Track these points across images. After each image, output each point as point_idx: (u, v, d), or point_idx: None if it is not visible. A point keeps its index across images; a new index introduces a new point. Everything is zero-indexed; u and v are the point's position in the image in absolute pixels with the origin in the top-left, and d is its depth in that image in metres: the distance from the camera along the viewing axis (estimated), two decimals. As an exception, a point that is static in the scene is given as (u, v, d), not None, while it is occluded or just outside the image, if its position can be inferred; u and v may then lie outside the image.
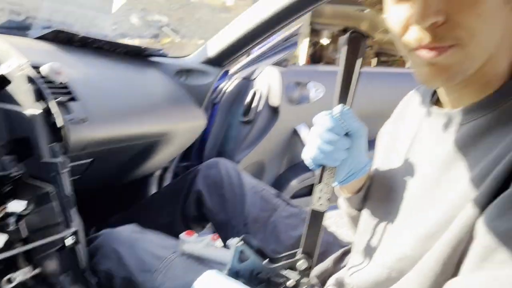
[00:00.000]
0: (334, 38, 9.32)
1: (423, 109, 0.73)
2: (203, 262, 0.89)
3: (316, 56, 9.39)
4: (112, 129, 1.00)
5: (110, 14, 1.42)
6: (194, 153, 1.65)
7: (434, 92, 0.72)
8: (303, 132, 1.76)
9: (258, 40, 1.36)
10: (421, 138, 0.71)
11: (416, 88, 0.82)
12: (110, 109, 1.03)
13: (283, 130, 1.71)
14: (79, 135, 0.90)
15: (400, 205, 0.70)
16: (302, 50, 8.22)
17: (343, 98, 0.67)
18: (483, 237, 0.51)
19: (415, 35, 0.55)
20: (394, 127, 0.82)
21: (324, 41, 9.30)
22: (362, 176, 0.75)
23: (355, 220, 0.85)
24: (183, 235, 0.90)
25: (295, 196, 1.80)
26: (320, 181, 0.70)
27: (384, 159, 0.80)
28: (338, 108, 0.67)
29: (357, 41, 0.64)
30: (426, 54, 0.55)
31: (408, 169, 0.71)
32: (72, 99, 0.94)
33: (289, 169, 1.83)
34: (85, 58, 1.15)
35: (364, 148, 0.71)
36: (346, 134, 0.69)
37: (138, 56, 1.37)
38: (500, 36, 0.56)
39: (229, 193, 1.19)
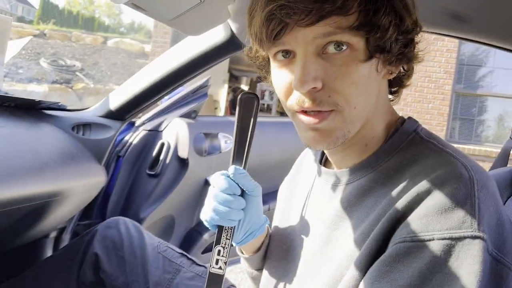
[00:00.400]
0: (253, 84, 9.63)
1: (315, 168, 0.75)
2: None
3: (236, 102, 9.59)
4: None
5: (1, 65, 1.32)
6: (96, 210, 1.55)
7: (323, 152, 0.75)
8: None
9: (161, 95, 1.34)
10: (314, 196, 0.73)
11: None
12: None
13: (193, 182, 1.68)
14: None
15: (298, 264, 0.70)
16: (222, 96, 8.37)
17: (238, 158, 0.68)
18: None
19: (297, 99, 0.58)
20: (292, 183, 0.84)
21: (243, 87, 9.57)
22: (259, 235, 0.74)
23: (256, 280, 0.84)
24: None
25: (208, 249, 1.74)
26: (217, 243, 0.69)
27: (282, 217, 0.81)
28: (231, 169, 0.67)
29: (250, 102, 0.66)
30: (308, 120, 0.58)
31: (303, 228, 0.72)
32: None
33: (201, 222, 1.78)
34: (-37, 114, 1.04)
35: (260, 207, 0.72)
36: (242, 194, 0.69)
37: (31, 109, 1.28)
38: (375, 101, 0.59)
39: (129, 255, 1.12)
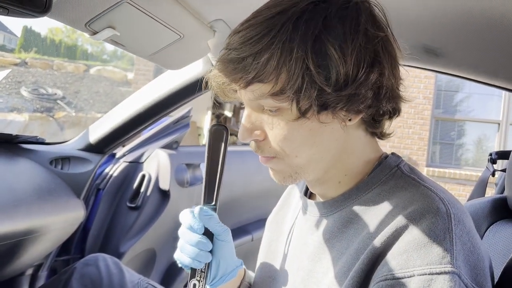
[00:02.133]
0: (236, 110, 9.68)
1: (300, 200, 0.76)
2: None
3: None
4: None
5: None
6: (75, 245, 1.51)
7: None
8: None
9: (140, 128, 1.33)
10: (298, 228, 0.73)
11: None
12: (-40, 210, 0.90)
13: (175, 214, 1.65)
14: None
15: None
16: (206, 122, 8.38)
17: (210, 194, 0.66)
18: None
19: (251, 142, 0.63)
20: (279, 215, 0.83)
21: (227, 113, 9.61)
22: (231, 279, 0.71)
23: None
24: None
25: (189, 282, 1.71)
26: (192, 277, 0.67)
27: (269, 249, 0.80)
28: (197, 210, 0.66)
29: (219, 134, 0.65)
30: (260, 158, 0.63)
31: (287, 260, 0.72)
32: None
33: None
34: None
35: (231, 251, 0.69)
36: (210, 237, 0.67)
37: (8, 143, 1.25)
38: (335, 146, 0.61)
39: (107, 297, 1.08)
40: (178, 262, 0.68)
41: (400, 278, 0.50)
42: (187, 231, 0.66)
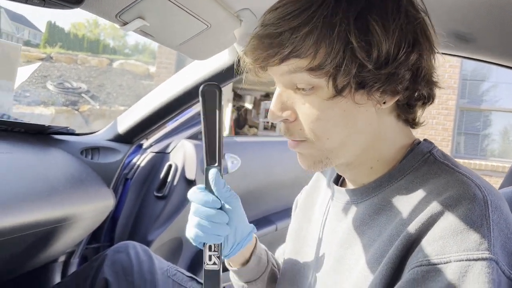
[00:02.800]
0: (257, 103, 9.68)
1: (329, 191, 0.75)
2: None
3: (241, 120, 9.65)
4: (1, 220, 0.91)
5: (10, 92, 1.34)
6: (105, 233, 1.55)
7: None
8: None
9: (167, 118, 1.35)
10: (328, 215, 0.72)
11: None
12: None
13: (200, 203, 1.67)
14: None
15: (311, 284, 0.69)
16: (227, 114, 8.41)
17: (212, 157, 0.64)
18: None
19: (280, 125, 0.62)
20: (308, 200, 0.82)
21: (248, 105, 9.62)
22: (247, 244, 0.71)
23: None
24: None
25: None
26: (205, 254, 0.66)
27: (298, 234, 0.80)
28: (211, 174, 0.64)
29: (211, 94, 0.62)
30: (289, 142, 0.62)
31: (317, 247, 0.72)
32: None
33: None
34: (-25, 141, 1.06)
35: (243, 216, 0.69)
36: (221, 209, 0.66)
37: (40, 134, 1.29)
38: (366, 130, 0.60)
39: (139, 280, 1.11)
40: (193, 241, 0.67)
41: (436, 264, 0.50)
42: (201, 208, 0.64)
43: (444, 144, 6.66)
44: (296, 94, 0.58)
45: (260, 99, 10.11)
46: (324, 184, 0.81)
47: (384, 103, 0.57)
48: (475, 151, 6.92)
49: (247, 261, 0.77)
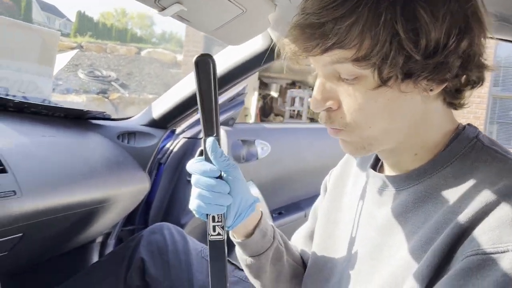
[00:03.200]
0: (283, 91, 9.65)
1: (364, 175, 0.74)
2: None
3: (266, 108, 9.64)
4: (45, 200, 0.95)
5: (49, 78, 1.38)
6: (139, 216, 1.59)
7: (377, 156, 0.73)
8: (253, 189, 1.75)
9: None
10: (363, 200, 0.71)
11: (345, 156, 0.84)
12: (43, 178, 0.98)
13: (231, 188, 1.70)
14: (6, 209, 0.84)
15: (344, 267, 0.69)
16: (253, 102, 8.42)
17: (209, 127, 0.64)
18: None
19: (320, 113, 0.61)
20: (338, 184, 0.81)
21: (273, 93, 9.60)
22: (251, 214, 0.70)
23: (251, 269, 0.80)
24: None
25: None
26: (209, 226, 0.66)
27: (328, 220, 0.79)
28: (208, 143, 0.64)
29: (205, 64, 0.61)
30: (329, 130, 0.61)
31: (351, 231, 0.71)
32: (1, 170, 0.88)
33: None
34: (20, 125, 1.10)
35: (245, 187, 0.68)
36: (221, 177, 0.65)
37: (78, 119, 1.34)
38: (411, 118, 0.58)
39: (174, 260, 1.14)
40: (195, 212, 0.66)
41: (492, 253, 0.49)
42: (201, 178, 0.64)
43: (475, 133, 6.48)
44: (339, 83, 0.57)
45: (286, 87, 10.06)
46: (354, 168, 0.79)
47: (431, 90, 0.55)
48: (509, 140, 6.72)
49: (251, 234, 0.75)
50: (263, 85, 9.43)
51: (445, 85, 0.55)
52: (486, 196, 0.52)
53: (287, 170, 1.95)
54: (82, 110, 1.31)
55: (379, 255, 0.62)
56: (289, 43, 0.58)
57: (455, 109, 0.63)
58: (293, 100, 9.22)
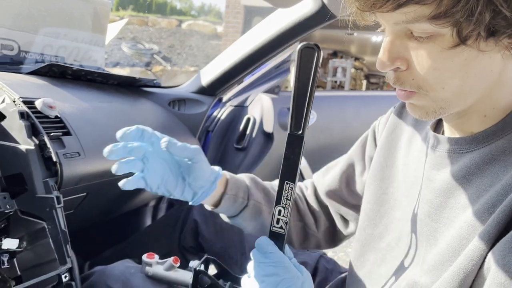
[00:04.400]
0: (325, 61, 9.46)
1: (421, 135, 0.72)
2: (166, 284, 0.94)
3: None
4: (105, 162, 0.99)
5: (103, 47, 1.42)
6: (189, 181, 1.64)
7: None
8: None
9: (250, 69, 1.37)
10: (421, 161, 0.69)
11: (397, 106, 0.81)
12: (103, 141, 1.01)
13: (278, 156, 1.71)
14: (73, 169, 0.89)
15: (401, 229, 0.69)
16: (292, 73, 8.33)
17: (297, 123, 0.60)
18: (496, 273, 0.50)
19: (387, 74, 0.58)
20: (391, 138, 0.79)
21: (314, 64, 9.43)
22: (212, 192, 0.77)
23: (234, 224, 0.90)
24: (145, 258, 0.95)
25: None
26: (277, 203, 0.65)
27: (382, 177, 0.77)
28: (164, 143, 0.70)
29: (309, 54, 0.56)
30: (398, 93, 0.58)
31: (409, 195, 0.70)
32: (66, 133, 0.93)
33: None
34: (78, 91, 1.15)
35: (205, 168, 0.74)
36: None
37: (131, 86, 1.37)
38: (488, 79, 0.55)
39: (226, 223, 1.17)
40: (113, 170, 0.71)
41: None
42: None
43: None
44: (410, 42, 0.54)
45: (327, 57, 9.85)
46: (409, 122, 0.76)
47: None
48: None
49: (218, 203, 0.82)
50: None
51: None
52: None
53: (334, 138, 1.93)
54: (134, 77, 1.34)
55: (440, 217, 0.61)
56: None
57: None
58: (335, 70, 9.04)
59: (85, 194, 0.99)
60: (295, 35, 1.30)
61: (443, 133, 0.68)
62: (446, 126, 0.67)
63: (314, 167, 1.77)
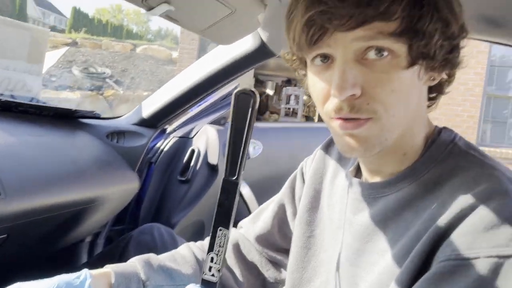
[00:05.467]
0: (278, 89, 9.64)
1: (343, 178, 0.73)
2: None
3: (262, 106, 9.62)
4: (31, 201, 0.94)
5: (38, 75, 1.37)
6: (129, 215, 1.58)
7: (354, 160, 0.72)
8: (244, 189, 1.75)
9: (193, 102, 1.36)
10: (342, 204, 0.70)
11: (322, 147, 0.81)
12: (30, 179, 0.97)
13: (223, 187, 1.69)
14: (-10, 211, 0.83)
15: (329, 276, 0.69)
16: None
17: (232, 169, 0.58)
18: None
19: (335, 105, 0.55)
20: (316, 177, 0.79)
21: (269, 91, 9.58)
22: None
23: None
24: None
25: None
26: (210, 250, 0.62)
27: (310, 220, 0.77)
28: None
29: (245, 100, 0.55)
30: (344, 125, 0.55)
31: (334, 237, 0.70)
32: (-15, 171, 0.87)
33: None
34: (7, 124, 1.09)
35: None
36: None
37: (67, 118, 1.32)
38: (415, 109, 0.57)
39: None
40: None
41: (464, 259, 0.48)
42: None
43: (469, 132, 6.52)
44: (363, 66, 0.53)
45: (281, 85, 10.04)
46: (332, 162, 0.77)
47: (433, 79, 0.57)
48: (502, 139, 6.75)
49: None
50: (259, 83, 9.41)
51: (443, 75, 0.57)
52: (462, 201, 0.52)
53: (280, 170, 1.94)
54: (71, 109, 1.30)
55: (360, 262, 0.62)
56: (316, 16, 0.51)
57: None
58: (288, 97, 9.20)
59: (5, 236, 0.92)
60: (238, 70, 1.31)
61: (360, 176, 0.69)
62: (364, 169, 0.67)
63: (259, 198, 1.76)
